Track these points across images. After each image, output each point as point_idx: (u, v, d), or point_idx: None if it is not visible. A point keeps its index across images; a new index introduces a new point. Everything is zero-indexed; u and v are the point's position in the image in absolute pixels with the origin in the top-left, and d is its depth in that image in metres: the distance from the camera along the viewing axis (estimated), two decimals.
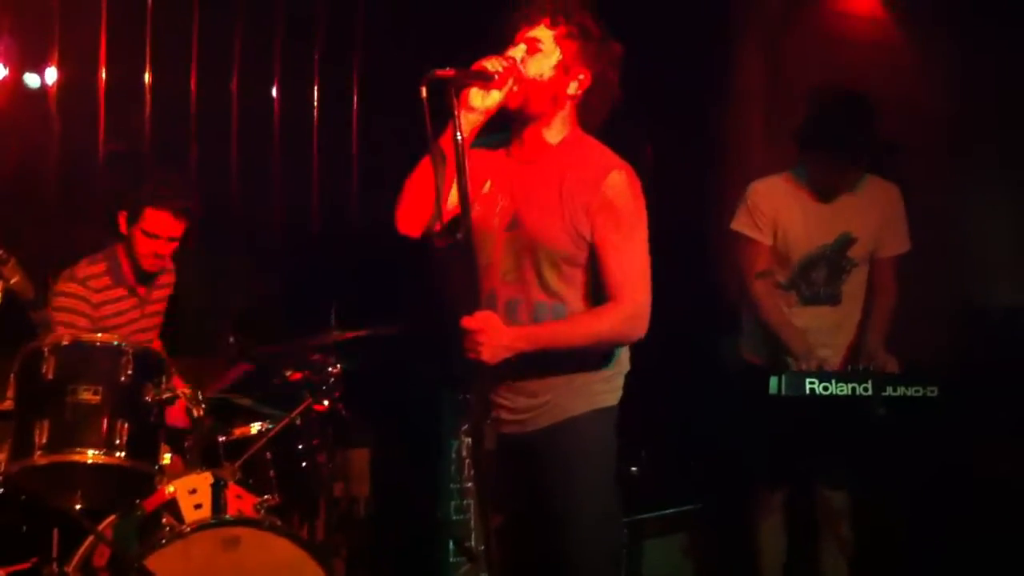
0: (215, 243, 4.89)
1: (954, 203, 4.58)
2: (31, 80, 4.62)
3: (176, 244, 4.05)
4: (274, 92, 5.06)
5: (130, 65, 4.71)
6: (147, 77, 4.76)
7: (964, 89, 4.80)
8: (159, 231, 3.98)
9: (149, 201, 3.96)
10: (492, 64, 2.86)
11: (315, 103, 5.16)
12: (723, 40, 5.43)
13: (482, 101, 2.88)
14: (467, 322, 2.82)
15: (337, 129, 5.20)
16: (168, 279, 4.27)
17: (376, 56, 5.21)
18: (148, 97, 4.76)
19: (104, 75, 4.66)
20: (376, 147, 5.20)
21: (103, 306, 3.98)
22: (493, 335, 2.83)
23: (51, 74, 4.62)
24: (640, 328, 2.94)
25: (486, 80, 2.85)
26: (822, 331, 3.97)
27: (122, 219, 4.01)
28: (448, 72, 2.79)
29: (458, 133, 2.77)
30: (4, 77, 4.55)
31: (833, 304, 3.99)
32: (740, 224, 4.00)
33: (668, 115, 5.24)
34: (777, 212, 3.94)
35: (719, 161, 5.36)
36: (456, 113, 2.79)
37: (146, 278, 4.11)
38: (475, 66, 2.86)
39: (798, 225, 3.93)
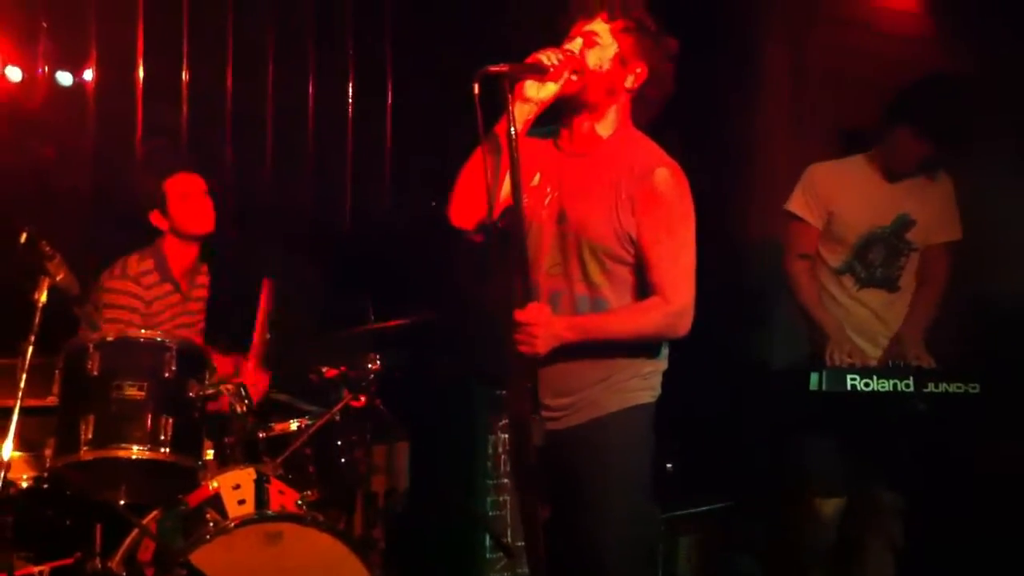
0: (250, 239, 4.91)
1: (990, 198, 4.54)
2: (63, 79, 4.64)
3: (211, 201, 4.11)
4: (310, 88, 5.08)
5: (167, 63, 4.73)
6: (184, 75, 4.77)
7: (992, 79, 4.77)
8: (188, 189, 4.06)
9: (163, 176, 4.06)
10: (548, 57, 2.87)
11: (349, 99, 5.17)
12: (747, 32, 5.42)
13: (537, 92, 2.89)
14: (520, 315, 2.83)
15: (371, 125, 5.21)
16: (205, 280, 4.31)
17: (409, 51, 5.22)
18: (184, 95, 4.77)
19: (141, 74, 4.68)
20: (410, 143, 5.21)
21: (155, 302, 4.02)
22: (546, 327, 2.84)
23: (89, 73, 4.64)
24: (684, 325, 2.95)
25: (541, 73, 2.86)
26: (879, 317, 3.95)
27: (156, 218, 4.08)
28: (502, 67, 2.80)
29: (512, 128, 2.79)
30: (41, 75, 4.58)
31: (891, 289, 3.96)
32: (792, 204, 4.00)
33: (693, 109, 5.23)
34: (832, 194, 3.93)
35: (744, 155, 5.35)
36: (511, 108, 2.80)
37: (204, 240, 4.15)
38: (530, 59, 2.87)
39: (857, 204, 3.92)
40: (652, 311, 2.94)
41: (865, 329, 3.94)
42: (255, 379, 3.92)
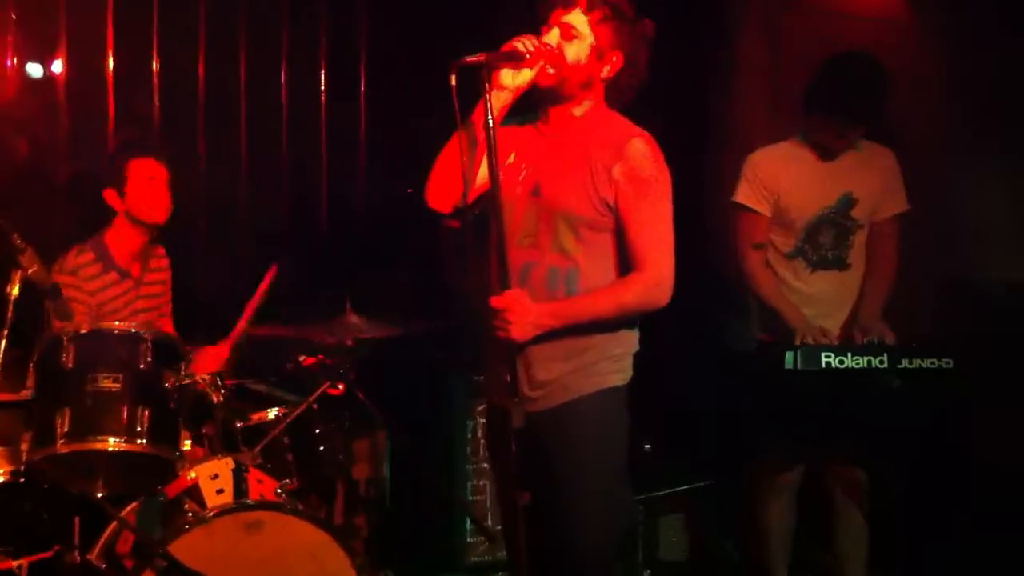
0: (224, 230, 4.90)
1: (957, 177, 4.57)
2: (34, 70, 4.61)
3: (170, 192, 4.07)
4: (282, 77, 5.05)
5: (138, 53, 4.70)
6: (155, 64, 4.74)
7: (966, 62, 4.79)
8: (151, 174, 4.02)
9: (129, 157, 4.02)
10: (523, 44, 2.88)
11: (322, 87, 5.15)
12: (724, 15, 5.42)
13: (512, 80, 2.90)
14: (496, 301, 2.84)
15: (345, 113, 5.19)
16: (162, 263, 4.26)
17: (384, 40, 5.20)
18: (156, 84, 4.74)
19: (111, 63, 4.64)
20: (385, 131, 5.20)
21: (98, 293, 3.98)
22: (523, 313, 2.85)
23: (58, 64, 4.60)
24: (664, 296, 2.97)
25: (517, 60, 2.88)
26: (832, 298, 3.98)
27: (111, 196, 4.03)
28: (479, 57, 2.81)
29: (489, 114, 2.80)
30: (11, 67, 4.54)
31: (841, 268, 3.98)
32: (739, 195, 4.01)
33: (670, 91, 5.24)
34: (777, 179, 3.95)
35: (721, 137, 5.36)
36: (488, 95, 2.81)
37: (154, 229, 4.10)
38: (506, 46, 2.88)
39: (801, 188, 3.94)
40: (631, 284, 2.95)
41: (820, 310, 3.96)
42: (214, 354, 3.89)
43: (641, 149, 2.95)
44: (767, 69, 5.37)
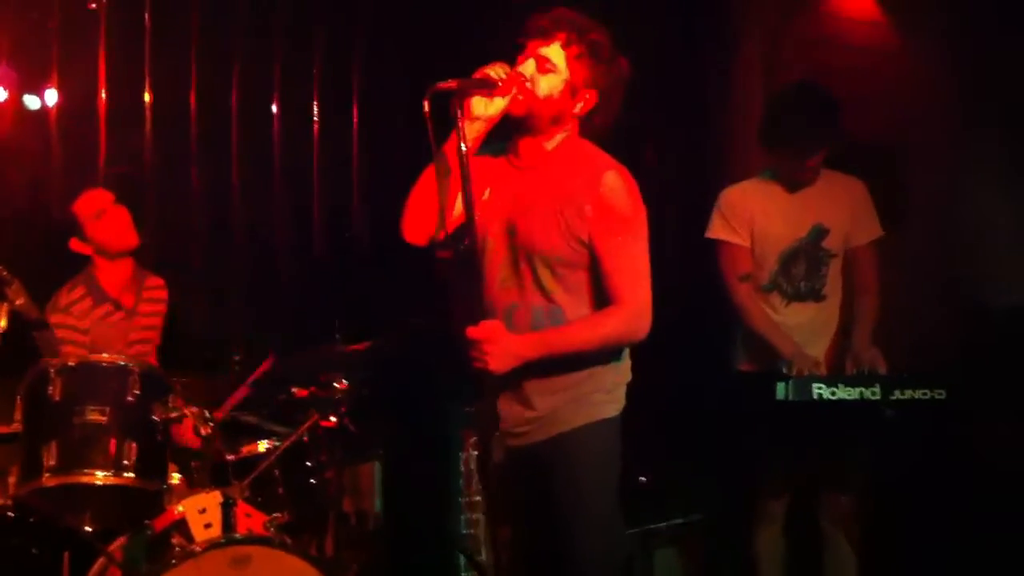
0: (217, 261, 4.90)
1: (956, 201, 4.58)
2: (31, 102, 4.62)
3: (125, 208, 4.06)
4: (274, 108, 5.06)
5: (130, 85, 4.71)
6: (147, 97, 4.75)
7: (964, 85, 4.80)
8: (98, 206, 4.02)
9: (71, 199, 4.04)
10: (495, 71, 2.87)
11: (315, 118, 5.16)
12: (722, 41, 5.45)
13: (485, 109, 2.88)
14: (472, 332, 2.82)
15: (338, 143, 5.21)
16: (159, 295, 4.24)
17: (376, 70, 5.22)
18: (148, 116, 4.75)
19: (104, 96, 4.65)
20: (378, 161, 5.21)
21: (92, 330, 3.99)
22: (500, 344, 2.83)
23: (51, 95, 4.61)
24: (644, 327, 2.94)
25: (490, 88, 2.86)
26: (808, 329, 3.97)
27: (76, 245, 4.06)
28: (451, 84, 2.80)
29: (462, 144, 2.78)
30: (4, 100, 4.55)
31: (816, 300, 3.98)
32: (716, 231, 4.02)
33: (668, 115, 5.26)
34: (752, 212, 3.97)
35: (719, 161, 5.37)
36: (460, 124, 2.80)
37: (123, 253, 4.10)
38: (478, 73, 2.87)
39: (772, 220, 3.95)
40: (610, 317, 2.93)
41: (799, 341, 3.93)
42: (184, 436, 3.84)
43: (614, 183, 2.93)
44: (765, 94, 5.39)
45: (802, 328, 3.96)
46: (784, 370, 3.77)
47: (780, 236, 3.96)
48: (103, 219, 4.02)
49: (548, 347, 2.91)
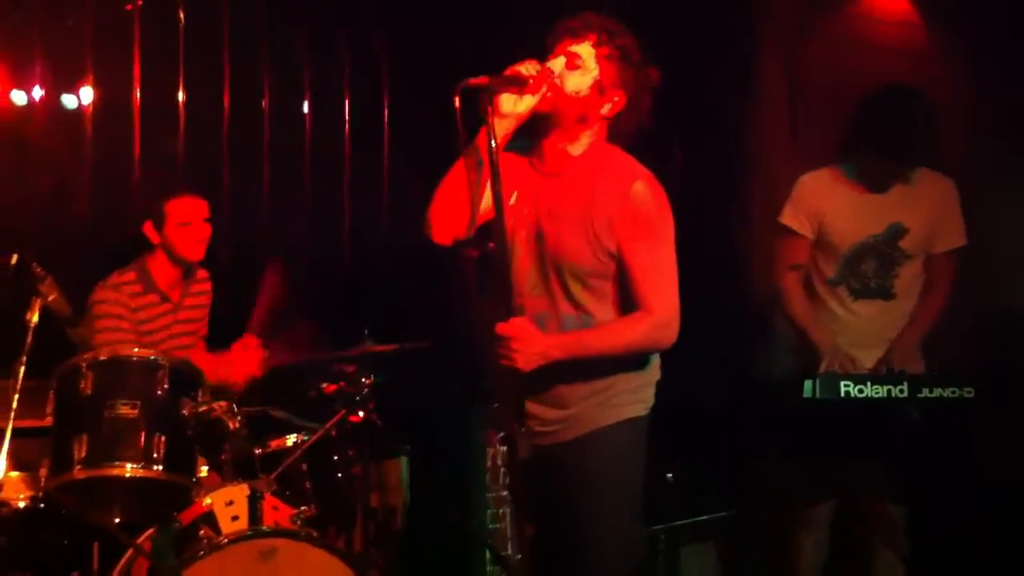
0: (247, 260, 4.94)
1: (982, 205, 4.54)
2: (68, 101, 4.68)
3: (210, 226, 4.11)
4: (305, 108, 5.10)
5: (164, 85, 4.76)
6: (180, 96, 4.80)
7: (988, 90, 4.76)
8: (190, 217, 4.06)
9: (168, 196, 4.06)
10: (527, 68, 2.87)
11: (346, 120, 5.20)
12: (744, 45, 5.43)
13: (514, 106, 2.88)
14: (502, 328, 2.84)
15: (369, 143, 5.24)
16: (204, 287, 4.30)
17: (406, 68, 5.24)
18: (182, 116, 4.80)
19: (138, 95, 4.71)
20: (408, 161, 5.23)
21: (138, 312, 4.03)
22: (528, 342, 2.85)
23: (87, 95, 4.67)
24: (671, 336, 2.96)
25: (520, 85, 2.86)
26: (875, 327, 3.93)
27: (149, 229, 4.08)
28: (482, 80, 2.81)
29: (492, 140, 2.79)
30: (40, 99, 4.62)
31: (886, 298, 3.93)
32: (785, 216, 3.98)
33: (694, 120, 5.25)
34: (822, 204, 3.92)
35: (744, 167, 5.36)
36: (490, 120, 2.81)
37: (189, 268, 4.16)
38: (508, 71, 2.87)
39: (845, 215, 3.90)
40: (638, 324, 2.94)
41: (860, 339, 3.92)
42: (247, 357, 3.91)
43: (643, 193, 2.93)
44: (788, 98, 5.37)
45: (866, 325, 3.92)
46: (818, 365, 3.75)
47: (850, 230, 3.90)
48: (187, 228, 4.06)
49: (575, 349, 2.92)
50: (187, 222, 4.05)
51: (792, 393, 3.71)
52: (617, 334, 2.95)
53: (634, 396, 3.03)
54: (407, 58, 5.25)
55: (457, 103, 2.73)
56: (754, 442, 4.29)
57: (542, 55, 2.97)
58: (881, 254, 3.91)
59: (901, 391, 3.63)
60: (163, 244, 4.08)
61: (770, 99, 5.37)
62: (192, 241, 4.08)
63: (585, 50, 2.95)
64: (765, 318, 4.30)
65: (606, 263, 2.94)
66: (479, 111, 2.82)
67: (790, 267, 3.97)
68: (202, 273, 4.30)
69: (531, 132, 3.03)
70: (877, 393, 3.62)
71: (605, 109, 2.99)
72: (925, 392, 3.63)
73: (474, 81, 2.80)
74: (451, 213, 2.97)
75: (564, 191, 2.98)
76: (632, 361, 3.01)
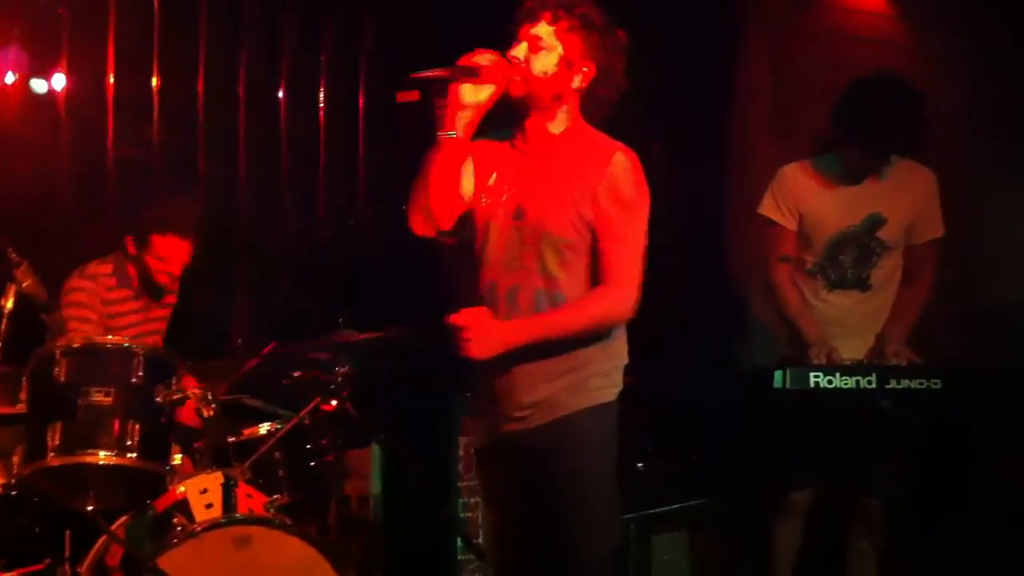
0: (223, 248, 4.93)
1: (960, 199, 4.60)
2: (38, 86, 4.66)
3: (187, 262, 4.12)
4: (280, 94, 5.09)
5: (138, 71, 4.74)
6: (155, 82, 4.78)
7: (971, 84, 4.81)
8: (168, 255, 4.07)
9: (155, 229, 4.05)
10: (482, 58, 2.89)
11: (321, 105, 5.19)
12: (727, 37, 5.46)
13: (474, 96, 2.89)
14: (453, 319, 2.87)
15: (344, 132, 5.23)
16: (173, 287, 4.31)
17: (383, 59, 5.24)
18: (156, 102, 4.79)
19: (112, 81, 4.69)
20: (384, 150, 5.23)
21: (110, 305, 4.04)
22: (482, 330, 2.86)
23: (59, 80, 4.65)
24: (629, 310, 2.97)
25: (474, 75, 2.87)
26: (850, 318, 3.96)
27: (129, 242, 4.09)
28: (437, 72, 2.84)
29: (452, 131, 2.84)
30: (13, 84, 4.59)
31: (862, 289, 3.96)
32: (765, 208, 4.01)
33: (674, 112, 5.27)
34: (802, 194, 3.94)
35: (725, 158, 5.39)
36: (447, 111, 2.84)
37: (155, 292, 4.17)
38: (462, 61, 2.88)
39: (825, 205, 3.92)
40: (599, 297, 2.95)
41: (838, 331, 3.94)
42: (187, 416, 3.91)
43: (623, 164, 2.95)
44: (771, 90, 5.40)
45: (842, 316, 3.95)
46: (803, 356, 3.78)
47: (829, 221, 3.92)
48: (164, 264, 4.08)
49: (534, 332, 2.93)
50: (167, 259, 4.07)
51: (764, 383, 3.74)
52: (577, 312, 2.95)
53: (606, 380, 3.04)
54: (384, 43, 5.24)
55: (418, 95, 2.78)
56: (728, 431, 4.33)
57: (507, 45, 2.98)
58: (860, 245, 3.94)
59: (869, 382, 3.67)
60: (138, 260, 4.09)
61: (751, 91, 5.40)
62: (166, 275, 4.11)
63: (543, 29, 2.95)
64: (741, 307, 4.34)
65: (583, 234, 2.95)
66: (434, 102, 2.85)
67: (779, 259, 3.99)
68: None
69: (511, 121, 3.05)
70: (846, 384, 3.66)
71: (576, 82, 2.99)
72: (893, 383, 3.66)
73: (429, 73, 2.83)
74: (428, 206, 2.98)
75: (545, 167, 3.00)
76: (600, 343, 3.00)
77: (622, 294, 2.95)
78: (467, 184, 3.02)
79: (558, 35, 2.95)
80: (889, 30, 5.40)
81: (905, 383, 3.64)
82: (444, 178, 2.92)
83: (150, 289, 4.16)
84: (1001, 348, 4.32)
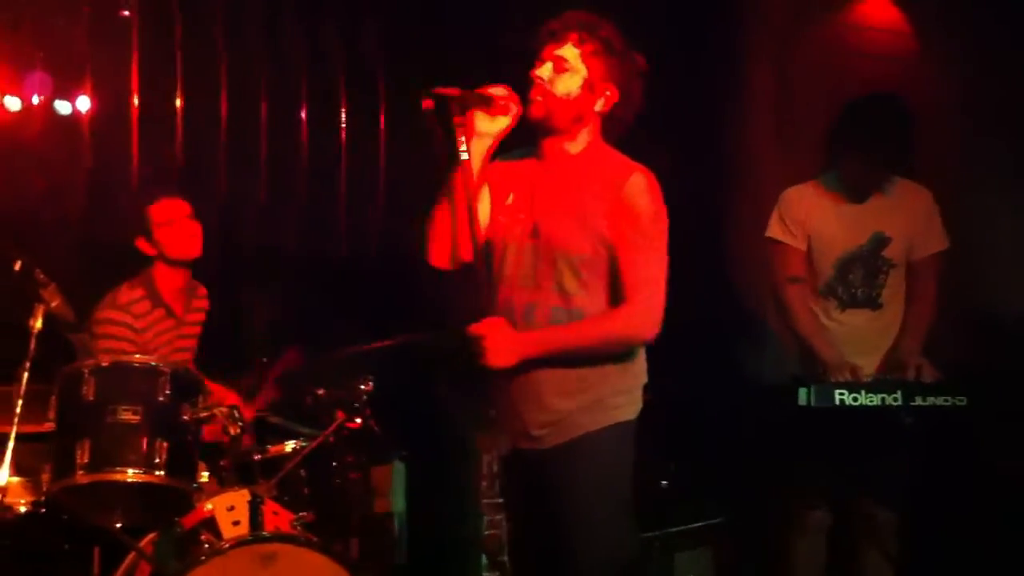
0: (243, 266, 4.96)
1: (969, 211, 4.60)
2: (62, 107, 4.70)
3: (198, 223, 4.13)
4: (302, 114, 5.12)
5: (161, 91, 4.78)
6: (178, 103, 4.82)
7: (976, 96, 4.81)
8: (170, 216, 4.08)
9: (147, 203, 4.08)
10: (497, 91, 2.93)
11: (342, 123, 5.22)
12: (734, 52, 5.47)
13: (489, 125, 2.95)
14: (473, 328, 2.88)
15: (364, 150, 5.26)
16: (203, 304, 4.33)
17: (402, 74, 5.27)
18: (179, 123, 4.82)
19: (136, 102, 4.73)
20: (404, 168, 5.26)
21: (146, 331, 4.05)
22: (498, 339, 2.87)
23: (83, 102, 4.69)
24: (650, 329, 2.96)
25: (487, 103, 2.92)
26: (864, 336, 3.96)
27: (142, 243, 4.11)
28: (451, 91, 2.87)
29: (462, 153, 2.88)
30: (37, 105, 4.63)
31: (873, 308, 3.97)
32: (772, 230, 4.02)
33: (682, 127, 5.28)
34: (809, 216, 3.96)
35: (732, 173, 5.39)
36: (458, 132, 2.87)
37: (190, 264, 4.18)
38: (480, 89, 2.93)
39: (831, 227, 3.94)
40: (616, 317, 2.96)
41: (852, 349, 3.94)
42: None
43: (640, 184, 2.96)
44: (777, 104, 5.41)
45: (856, 335, 3.96)
46: (822, 376, 3.79)
47: (837, 241, 3.94)
48: (172, 227, 4.08)
49: (550, 344, 2.94)
50: (169, 221, 4.07)
51: (788, 400, 3.74)
52: (595, 327, 2.96)
53: (626, 398, 3.04)
54: (404, 64, 5.27)
55: (432, 107, 2.80)
56: (750, 448, 4.32)
57: (530, 60, 3.02)
58: (867, 264, 3.96)
59: (895, 399, 3.66)
60: (158, 253, 4.10)
61: (757, 106, 5.41)
62: (181, 238, 4.10)
63: (569, 52, 2.99)
64: (761, 325, 4.34)
65: (600, 252, 2.96)
66: (449, 120, 2.88)
67: (789, 279, 3.99)
68: (202, 290, 4.32)
69: (531, 139, 3.08)
70: (871, 401, 3.65)
71: (599, 105, 3.02)
72: (919, 400, 3.66)
73: (443, 90, 2.86)
74: (444, 238, 3.03)
75: (562, 185, 3.02)
76: (615, 360, 3.01)
77: (641, 314, 2.95)
78: (483, 210, 3.04)
79: (583, 58, 2.99)
80: (898, 45, 5.41)
81: (931, 400, 3.64)
82: (464, 206, 2.93)
83: (185, 269, 4.15)
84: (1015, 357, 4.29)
